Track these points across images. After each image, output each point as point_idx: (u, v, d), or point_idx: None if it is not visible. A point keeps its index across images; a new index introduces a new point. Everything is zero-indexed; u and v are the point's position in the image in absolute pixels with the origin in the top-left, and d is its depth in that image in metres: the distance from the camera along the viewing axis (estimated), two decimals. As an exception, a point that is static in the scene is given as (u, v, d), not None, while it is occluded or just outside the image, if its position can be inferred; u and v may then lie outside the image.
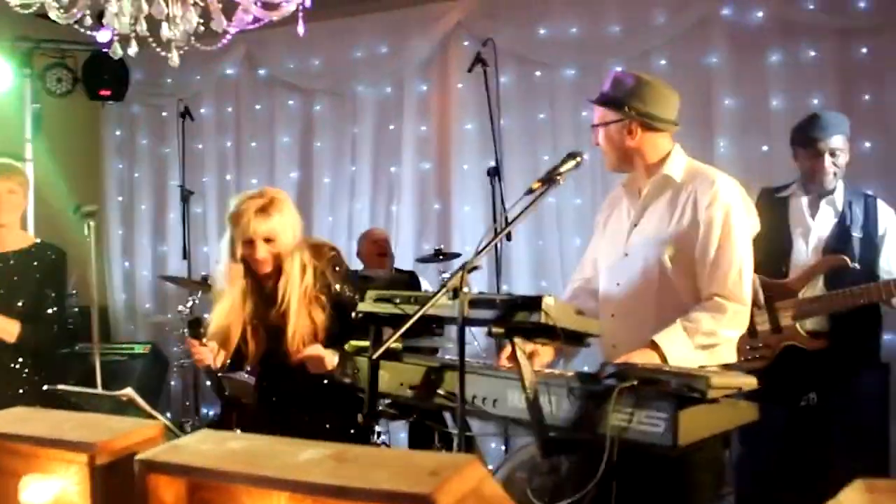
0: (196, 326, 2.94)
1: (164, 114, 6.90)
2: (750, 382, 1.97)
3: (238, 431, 3.35)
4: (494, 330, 2.11)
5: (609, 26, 5.60)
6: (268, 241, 2.95)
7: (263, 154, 6.61)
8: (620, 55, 5.44)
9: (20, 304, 3.41)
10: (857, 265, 3.51)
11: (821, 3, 5.05)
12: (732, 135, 5.23)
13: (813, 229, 3.64)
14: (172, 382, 6.64)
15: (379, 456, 1.39)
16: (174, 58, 3.38)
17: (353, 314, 2.51)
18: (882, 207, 3.67)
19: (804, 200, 3.69)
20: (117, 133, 7.12)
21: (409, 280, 5.29)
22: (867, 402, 3.64)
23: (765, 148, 5.10)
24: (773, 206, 3.65)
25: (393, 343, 2.17)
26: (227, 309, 3.03)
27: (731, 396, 1.97)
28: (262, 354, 3.11)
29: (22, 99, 6.15)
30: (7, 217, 3.47)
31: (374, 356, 2.16)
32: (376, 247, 5.49)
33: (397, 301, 2.32)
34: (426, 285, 5.30)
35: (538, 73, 5.83)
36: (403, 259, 5.75)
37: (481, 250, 2.21)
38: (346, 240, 6.15)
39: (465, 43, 5.90)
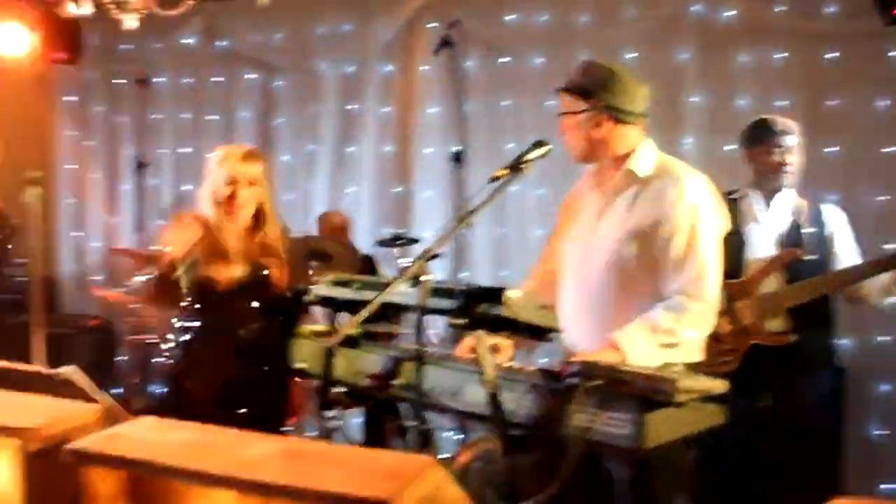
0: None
1: (120, 81, 6.70)
2: (718, 386, 1.93)
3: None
4: (454, 320, 2.04)
5: (579, 17, 5.54)
6: (251, 185, 3.16)
7: (221, 128, 6.44)
8: (590, 47, 5.39)
9: None
10: (813, 256, 3.53)
11: (791, 4, 5.05)
12: (699, 134, 5.22)
13: (766, 226, 3.65)
14: (121, 358, 6.47)
15: (333, 454, 1.31)
16: (130, 21, 3.25)
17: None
18: (830, 209, 3.73)
19: (756, 200, 3.70)
20: (70, 99, 6.90)
21: (367, 264, 5.20)
22: (820, 404, 3.66)
23: (729, 147, 5.10)
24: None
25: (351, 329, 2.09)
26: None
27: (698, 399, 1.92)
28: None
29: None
30: None
31: (332, 343, 2.08)
32: (335, 230, 5.39)
33: (356, 286, 2.25)
34: (384, 271, 5.21)
35: (504, 60, 5.76)
36: (361, 242, 5.65)
37: (443, 238, 2.14)
38: (303, 219, 6.04)
39: (432, 25, 5.79)
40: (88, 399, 2.13)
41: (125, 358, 6.40)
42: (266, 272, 3.21)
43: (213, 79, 6.52)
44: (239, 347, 3.19)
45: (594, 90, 2.66)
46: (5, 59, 5.85)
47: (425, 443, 2.33)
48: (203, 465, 1.24)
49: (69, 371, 2.29)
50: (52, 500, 1.43)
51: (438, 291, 2.05)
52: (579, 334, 2.64)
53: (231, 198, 3.16)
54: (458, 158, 4.78)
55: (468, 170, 5.04)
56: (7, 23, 5.73)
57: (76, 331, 6.16)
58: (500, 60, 5.76)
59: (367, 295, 2.19)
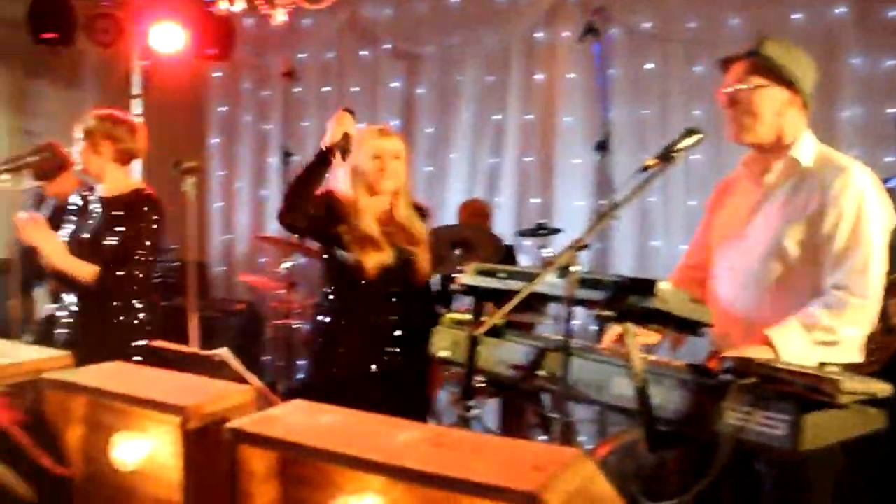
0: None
1: (268, 74, 6.92)
2: (883, 389, 1.80)
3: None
4: (603, 312, 1.99)
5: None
6: (395, 158, 3.21)
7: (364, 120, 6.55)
8: (740, 9, 5.24)
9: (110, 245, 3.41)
10: None
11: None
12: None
13: None
14: (267, 342, 6.70)
15: (480, 443, 1.30)
16: (280, 15, 3.34)
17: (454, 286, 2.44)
18: None
19: None
20: (221, 97, 7.18)
21: (506, 253, 5.17)
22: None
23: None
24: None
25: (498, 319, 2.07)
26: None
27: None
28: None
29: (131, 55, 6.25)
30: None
31: (478, 332, 2.06)
32: (477, 217, 5.40)
33: (501, 275, 2.22)
34: (524, 261, 5.18)
35: (648, 25, 5.68)
36: (501, 230, 5.63)
37: (592, 227, 2.09)
38: (441, 191, 6.11)
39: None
40: (241, 380, 2.21)
41: (270, 341, 6.64)
42: (411, 259, 3.23)
43: (354, 86, 6.65)
44: (380, 334, 3.23)
45: (786, 66, 2.50)
46: (161, 56, 6.14)
47: (567, 435, 2.29)
48: (352, 450, 1.25)
49: (223, 353, 2.37)
50: (209, 475, 1.47)
51: (586, 282, 2.00)
52: (731, 329, 2.53)
53: (380, 171, 3.18)
54: (602, 146, 4.67)
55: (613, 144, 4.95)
56: (163, 22, 6.02)
57: (224, 314, 6.43)
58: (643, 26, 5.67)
59: (512, 285, 2.16)
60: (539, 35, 6.01)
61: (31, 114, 7.01)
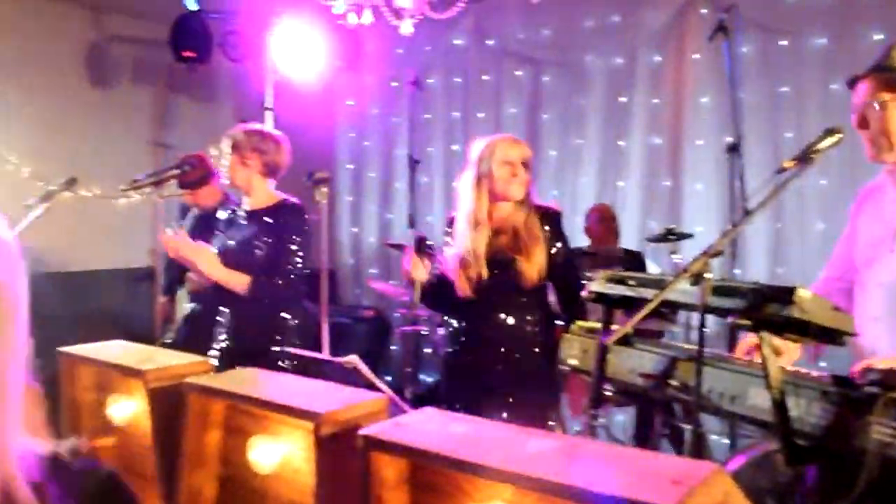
0: (422, 241, 3.26)
1: (394, 84, 7.04)
2: None
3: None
4: (739, 321, 1.92)
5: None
6: (525, 166, 3.23)
7: (490, 125, 6.57)
8: (878, 22, 4.93)
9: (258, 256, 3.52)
10: None
11: None
12: None
13: None
14: (393, 348, 6.80)
15: (613, 455, 1.27)
16: (406, 27, 3.38)
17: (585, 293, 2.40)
18: None
19: None
20: (349, 102, 7.36)
21: (635, 260, 5.09)
22: None
23: None
24: None
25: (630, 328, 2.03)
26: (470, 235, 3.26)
27: None
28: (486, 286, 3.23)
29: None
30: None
31: (610, 342, 2.03)
32: (605, 223, 5.34)
33: (631, 283, 2.18)
34: (652, 267, 5.07)
35: (783, 43, 5.39)
36: (628, 238, 5.55)
37: (727, 234, 2.03)
38: (570, 214, 6.02)
39: (703, 11, 5.57)
40: (371, 386, 2.24)
41: (397, 347, 6.73)
42: (514, 265, 3.20)
43: (482, 77, 6.67)
44: (495, 341, 3.24)
45: None
46: (295, 70, 6.32)
47: (698, 446, 2.22)
48: (482, 458, 1.25)
49: (354, 359, 2.42)
50: (341, 480, 1.50)
51: (721, 290, 1.94)
52: (877, 340, 2.40)
53: (511, 178, 3.20)
54: (734, 149, 4.52)
55: (744, 162, 4.77)
56: (293, 37, 6.21)
57: (353, 320, 6.56)
58: (778, 43, 5.41)
59: (643, 292, 2.12)
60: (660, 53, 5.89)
61: (169, 127, 7.38)
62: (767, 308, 1.85)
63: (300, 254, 3.46)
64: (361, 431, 1.34)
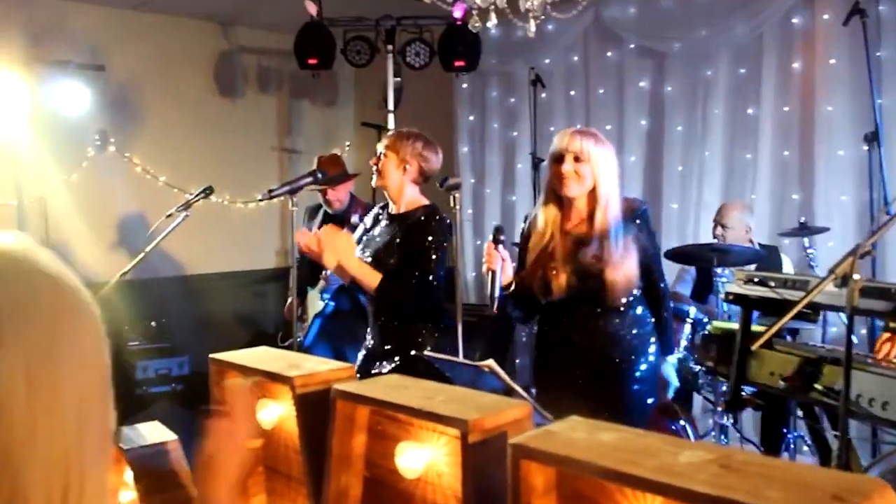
0: (498, 232, 3.13)
1: (514, 82, 7.03)
2: None
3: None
4: (891, 324, 1.86)
5: None
6: (577, 160, 3.01)
7: (612, 134, 6.47)
8: None
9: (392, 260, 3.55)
10: None
11: None
12: None
13: None
14: (518, 347, 6.83)
15: (769, 468, 1.25)
16: (531, 27, 3.39)
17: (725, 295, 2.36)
18: None
19: None
20: (469, 108, 7.39)
21: (770, 255, 4.91)
22: None
23: None
24: None
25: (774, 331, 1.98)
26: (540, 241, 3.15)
27: None
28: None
29: (385, 72, 6.56)
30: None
31: (755, 346, 1.99)
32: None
33: (772, 284, 2.13)
34: (787, 265, 4.90)
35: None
36: (759, 231, 5.36)
37: (876, 232, 1.96)
38: (697, 188, 5.94)
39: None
40: (509, 391, 2.26)
41: (521, 345, 6.75)
42: (594, 278, 3.05)
43: (600, 88, 6.59)
44: (583, 347, 3.12)
45: None
46: (412, 71, 6.42)
47: (847, 453, 2.15)
48: (634, 468, 1.25)
49: (490, 363, 2.45)
50: (487, 487, 1.52)
51: (870, 291, 1.87)
52: None
53: (558, 175, 3.07)
54: (873, 138, 4.33)
55: (884, 150, 4.56)
56: (413, 39, 6.30)
57: (477, 319, 6.59)
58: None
59: (784, 293, 2.07)
60: (796, 21, 5.61)
61: (294, 132, 7.61)
62: (922, 311, 1.78)
63: (438, 263, 3.46)
64: (511, 440, 1.35)
